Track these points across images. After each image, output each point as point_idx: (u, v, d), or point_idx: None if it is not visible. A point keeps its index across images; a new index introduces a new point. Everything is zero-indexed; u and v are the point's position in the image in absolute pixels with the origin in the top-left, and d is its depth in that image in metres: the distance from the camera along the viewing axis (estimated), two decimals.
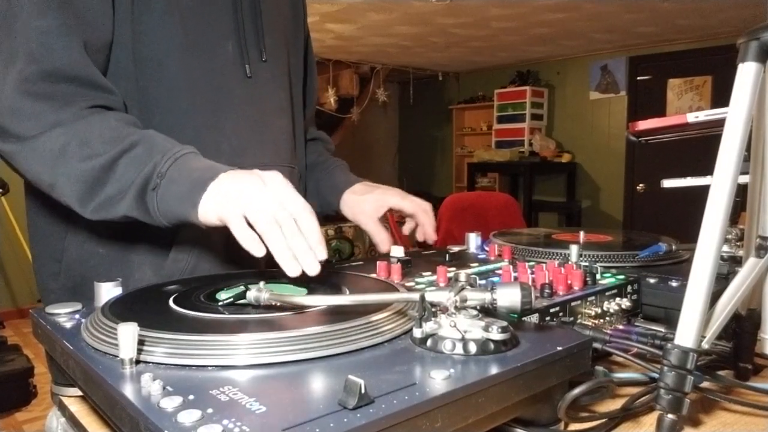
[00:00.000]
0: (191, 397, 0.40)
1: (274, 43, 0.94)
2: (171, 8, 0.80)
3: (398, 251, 0.89)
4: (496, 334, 0.48)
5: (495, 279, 0.76)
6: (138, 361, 0.46)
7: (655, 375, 0.55)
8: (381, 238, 0.97)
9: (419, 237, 1.01)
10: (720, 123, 0.54)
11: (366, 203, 1.02)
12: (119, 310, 0.55)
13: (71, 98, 0.71)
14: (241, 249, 0.67)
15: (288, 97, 0.99)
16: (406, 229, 1.02)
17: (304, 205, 0.64)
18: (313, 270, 0.61)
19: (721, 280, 0.65)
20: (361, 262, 0.88)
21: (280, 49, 0.96)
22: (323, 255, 0.62)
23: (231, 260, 0.88)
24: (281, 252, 0.61)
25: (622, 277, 0.77)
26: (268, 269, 0.91)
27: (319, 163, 1.14)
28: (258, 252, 0.61)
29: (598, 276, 0.75)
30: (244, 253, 0.66)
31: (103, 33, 0.76)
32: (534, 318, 0.62)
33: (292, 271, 0.60)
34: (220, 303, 0.59)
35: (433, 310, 0.51)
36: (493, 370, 0.45)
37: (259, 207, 0.63)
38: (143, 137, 0.71)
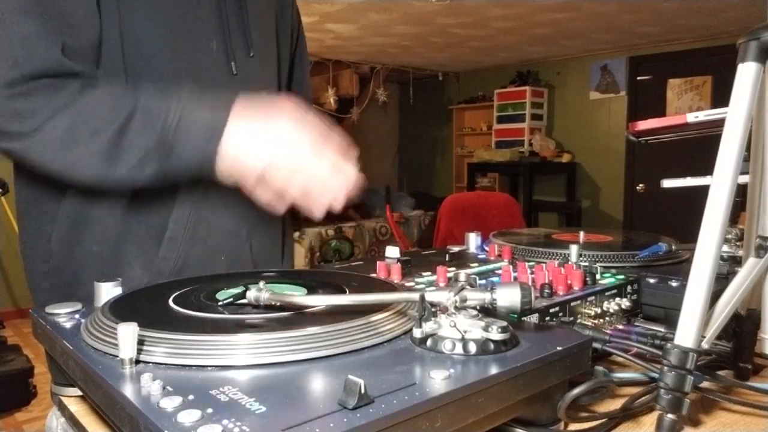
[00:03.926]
0: (191, 397, 0.40)
1: (262, 38, 0.94)
2: (155, 8, 0.80)
3: (393, 252, 0.88)
4: (495, 334, 0.48)
5: (495, 279, 0.76)
6: (138, 361, 0.46)
7: (655, 375, 0.55)
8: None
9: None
10: (720, 123, 0.54)
11: None
12: (119, 310, 0.55)
13: (60, 86, 0.72)
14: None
15: (277, 93, 0.99)
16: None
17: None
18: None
19: (721, 280, 0.65)
20: (361, 262, 0.88)
21: (268, 43, 0.96)
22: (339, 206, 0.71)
23: (219, 258, 0.88)
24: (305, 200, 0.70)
25: (621, 277, 0.77)
26: (267, 269, 0.91)
27: None
28: (281, 209, 0.69)
29: (597, 276, 0.75)
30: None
31: (89, 35, 0.76)
32: (534, 318, 0.62)
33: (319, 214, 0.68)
34: (219, 303, 0.59)
35: (433, 310, 0.51)
36: (493, 370, 0.45)
37: (277, 169, 0.69)
38: (141, 99, 0.73)
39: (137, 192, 0.82)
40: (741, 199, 0.66)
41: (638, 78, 5.39)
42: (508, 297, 0.50)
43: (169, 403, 0.38)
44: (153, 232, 0.83)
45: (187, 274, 0.84)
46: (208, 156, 0.71)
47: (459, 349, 0.48)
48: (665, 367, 0.50)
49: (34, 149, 0.71)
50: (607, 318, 0.71)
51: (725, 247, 0.83)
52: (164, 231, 0.83)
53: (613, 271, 0.80)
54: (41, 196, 0.84)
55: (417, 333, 0.50)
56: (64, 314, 0.60)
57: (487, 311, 0.51)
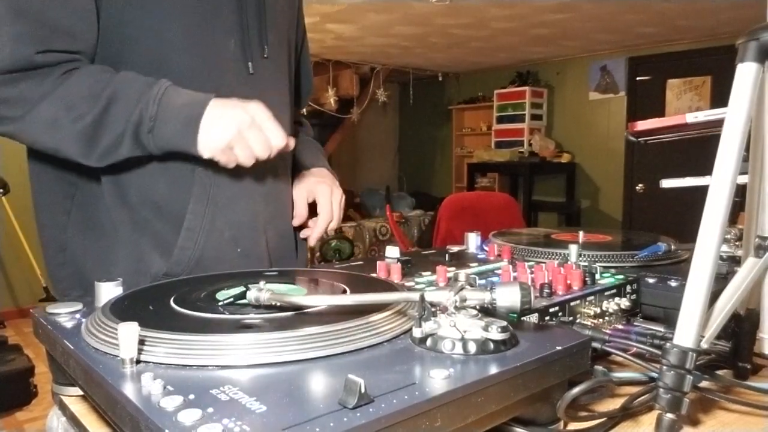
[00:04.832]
0: (192, 396, 0.40)
1: (276, 39, 0.95)
2: (175, 5, 0.81)
3: (393, 252, 0.88)
4: (495, 334, 0.48)
5: (494, 279, 0.76)
6: (138, 361, 0.46)
7: (655, 374, 0.55)
8: (297, 212, 1.04)
9: (304, 233, 1.06)
10: (719, 123, 0.54)
11: (305, 182, 1.07)
12: (120, 310, 0.55)
13: (45, 74, 0.75)
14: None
15: (289, 93, 1.00)
16: (297, 221, 1.05)
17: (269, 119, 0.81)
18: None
19: (720, 280, 0.65)
20: (361, 262, 0.89)
21: (281, 44, 0.97)
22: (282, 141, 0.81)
23: (235, 251, 0.89)
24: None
25: (621, 276, 0.77)
26: (267, 269, 0.91)
27: (298, 143, 1.16)
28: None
29: (597, 276, 0.75)
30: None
31: (83, 42, 0.79)
32: (533, 318, 0.62)
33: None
34: (220, 303, 0.59)
35: (433, 309, 0.51)
36: (493, 369, 0.45)
37: (246, 146, 0.79)
38: (118, 88, 0.77)
39: (151, 182, 0.84)
40: (740, 199, 0.66)
41: (638, 78, 5.39)
42: (508, 297, 0.50)
43: (170, 403, 0.38)
44: (170, 222, 0.85)
45: (203, 265, 0.86)
46: (187, 140, 0.77)
47: (459, 348, 0.48)
48: (664, 367, 0.50)
49: (25, 132, 0.77)
50: (606, 318, 0.71)
51: (724, 247, 0.83)
52: (181, 221, 0.85)
53: (613, 270, 0.80)
54: (54, 187, 0.87)
55: (417, 333, 0.50)
56: (64, 314, 0.60)
57: (487, 311, 0.51)
